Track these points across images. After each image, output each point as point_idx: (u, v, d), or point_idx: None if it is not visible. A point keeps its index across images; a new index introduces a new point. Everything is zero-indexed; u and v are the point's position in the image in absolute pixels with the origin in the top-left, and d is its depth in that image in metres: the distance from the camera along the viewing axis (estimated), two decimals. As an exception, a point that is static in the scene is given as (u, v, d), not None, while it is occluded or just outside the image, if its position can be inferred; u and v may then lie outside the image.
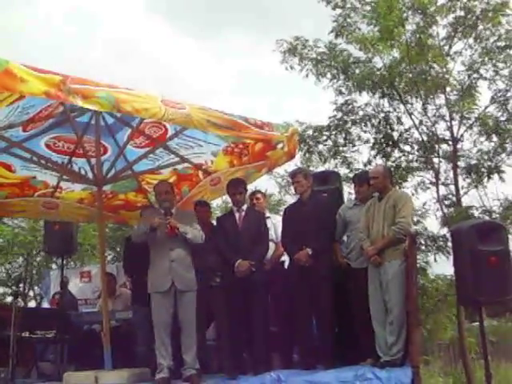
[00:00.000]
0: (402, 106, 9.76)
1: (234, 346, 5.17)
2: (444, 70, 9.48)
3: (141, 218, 5.61)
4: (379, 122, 9.88)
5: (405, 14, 9.36)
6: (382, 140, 9.80)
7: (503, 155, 9.25)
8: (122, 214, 6.83)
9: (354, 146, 10.18)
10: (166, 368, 4.81)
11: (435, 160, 9.70)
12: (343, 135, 10.07)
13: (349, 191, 8.21)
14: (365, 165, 9.84)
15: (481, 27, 9.39)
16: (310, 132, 10.10)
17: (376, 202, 5.05)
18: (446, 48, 9.74)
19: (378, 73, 9.61)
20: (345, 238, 5.47)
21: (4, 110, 4.58)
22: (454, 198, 9.52)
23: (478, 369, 8.26)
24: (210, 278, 5.36)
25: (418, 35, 9.34)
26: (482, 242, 4.91)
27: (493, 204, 9.28)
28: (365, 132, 10.06)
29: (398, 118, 9.88)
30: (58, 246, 7.47)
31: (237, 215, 5.36)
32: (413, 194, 9.53)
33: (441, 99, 9.65)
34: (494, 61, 9.30)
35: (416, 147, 9.82)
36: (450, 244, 8.50)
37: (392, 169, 8.24)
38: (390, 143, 9.77)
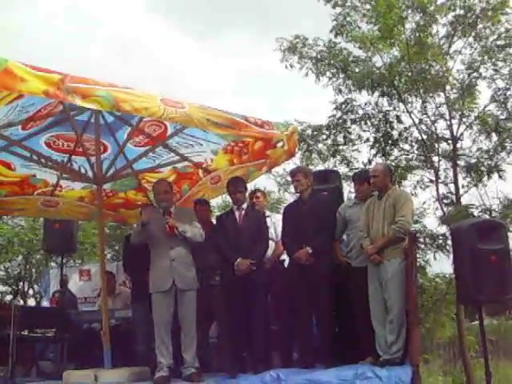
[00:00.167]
0: (401, 105, 9.79)
1: (234, 344, 5.17)
2: (444, 68, 9.48)
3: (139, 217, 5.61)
4: (379, 121, 9.89)
5: (404, 13, 9.38)
6: (382, 139, 9.81)
7: (503, 154, 9.29)
8: (121, 213, 6.82)
9: (353, 144, 10.20)
10: (166, 367, 4.81)
11: (435, 159, 9.73)
12: (343, 134, 10.08)
13: (349, 190, 8.23)
14: (364, 164, 9.85)
15: (480, 26, 9.42)
16: (310, 131, 10.11)
17: (376, 200, 5.05)
18: (446, 47, 9.76)
19: (378, 71, 9.62)
20: (345, 236, 5.47)
21: (3, 109, 4.56)
22: (454, 197, 9.53)
23: (478, 367, 8.26)
24: (210, 276, 5.36)
25: (417, 34, 9.37)
26: (482, 240, 4.92)
27: (492, 203, 9.31)
28: (364, 131, 10.10)
29: (398, 117, 9.89)
30: (58, 245, 7.48)
31: (237, 214, 5.35)
32: (412, 194, 9.53)
33: (440, 98, 9.69)
34: (493, 59, 9.32)
35: (416, 146, 9.85)
36: (449, 242, 8.52)
37: (391, 167, 8.24)
38: (390, 142, 9.78)
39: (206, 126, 4.38)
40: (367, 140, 10.05)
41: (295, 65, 9.93)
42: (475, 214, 8.96)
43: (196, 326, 4.94)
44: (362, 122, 9.97)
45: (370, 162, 9.78)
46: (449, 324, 11.26)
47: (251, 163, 5.72)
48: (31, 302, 16.72)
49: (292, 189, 7.63)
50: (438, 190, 9.60)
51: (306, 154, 10.18)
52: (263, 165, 5.74)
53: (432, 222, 10.13)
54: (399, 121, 9.89)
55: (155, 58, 45.47)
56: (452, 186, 9.61)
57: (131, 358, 5.73)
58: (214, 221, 5.85)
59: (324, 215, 5.20)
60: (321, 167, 9.97)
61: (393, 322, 4.66)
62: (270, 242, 5.51)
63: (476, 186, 9.39)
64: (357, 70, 9.72)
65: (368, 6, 9.63)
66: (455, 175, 9.54)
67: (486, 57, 9.35)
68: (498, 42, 9.31)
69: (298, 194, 5.54)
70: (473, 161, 9.45)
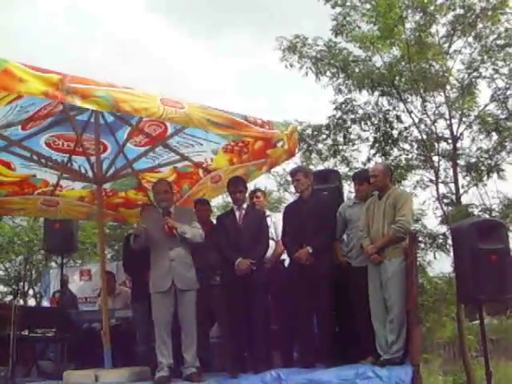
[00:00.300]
0: (401, 105, 9.79)
1: (235, 344, 5.17)
2: (444, 68, 9.48)
3: (140, 218, 5.61)
4: (379, 121, 9.89)
5: (404, 13, 9.36)
6: (382, 138, 9.81)
7: (503, 153, 9.29)
8: (121, 212, 6.82)
9: (353, 144, 10.21)
10: (166, 367, 4.81)
11: (435, 158, 9.72)
12: (343, 134, 10.08)
13: (349, 190, 8.23)
14: (364, 163, 9.85)
15: (480, 25, 9.42)
16: (310, 131, 10.11)
17: (376, 200, 5.05)
18: (446, 46, 9.76)
19: (378, 71, 9.62)
20: (345, 236, 5.47)
21: (3, 109, 4.56)
22: (454, 197, 9.53)
23: (478, 367, 8.25)
24: (210, 276, 5.36)
25: (417, 33, 9.35)
26: (482, 240, 4.92)
27: (492, 202, 9.31)
28: (364, 130, 10.10)
29: (398, 117, 9.89)
30: (58, 245, 7.48)
31: (237, 213, 5.35)
32: (412, 194, 9.52)
33: (440, 97, 9.68)
34: (493, 59, 9.31)
35: (415, 145, 9.84)
36: (449, 242, 8.52)
37: (391, 167, 8.24)
38: (390, 142, 9.78)
39: (206, 126, 4.38)
40: (367, 140, 10.06)
41: (295, 64, 9.92)
42: (475, 213, 8.97)
43: (196, 326, 4.94)
44: (362, 122, 9.96)
45: (369, 160, 9.80)
46: (449, 324, 11.27)
47: (251, 163, 5.72)
48: (31, 302, 16.73)
49: (292, 188, 7.63)
50: (438, 189, 9.61)
51: (305, 154, 10.18)
52: (263, 164, 5.74)
53: (432, 222, 10.13)
54: (399, 120, 9.89)
55: (155, 57, 45.48)
56: (452, 186, 9.62)
57: (131, 357, 5.74)
58: (214, 221, 5.85)
59: (324, 215, 5.20)
60: (321, 167, 9.98)
61: (393, 322, 4.65)
62: (271, 242, 5.50)
63: (476, 185, 9.39)
64: (357, 70, 9.71)
65: (368, 6, 9.62)
66: (455, 175, 9.54)
67: (485, 56, 9.34)
68: (498, 42, 9.30)
69: (298, 194, 5.54)
70: (473, 160, 9.45)
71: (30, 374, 6.48)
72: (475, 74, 9.42)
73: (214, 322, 5.77)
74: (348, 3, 9.76)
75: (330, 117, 10.04)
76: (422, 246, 9.37)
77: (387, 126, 9.85)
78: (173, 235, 4.95)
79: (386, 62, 9.66)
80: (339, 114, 10.02)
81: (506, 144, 9.23)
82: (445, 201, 9.59)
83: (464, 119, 9.56)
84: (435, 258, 9.39)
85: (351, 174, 8.69)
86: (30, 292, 17.55)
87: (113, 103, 3.91)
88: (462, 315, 8.98)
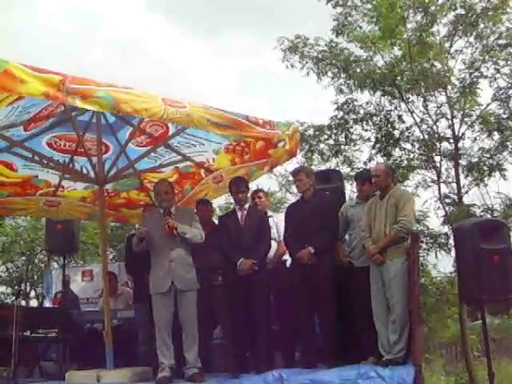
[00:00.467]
0: (403, 105, 9.77)
1: (237, 344, 5.17)
2: (445, 68, 9.47)
3: (141, 218, 5.61)
4: (380, 121, 9.88)
5: (406, 13, 9.36)
6: (383, 138, 9.79)
7: (505, 153, 9.26)
8: (123, 213, 6.82)
9: (355, 144, 10.19)
10: (168, 367, 4.81)
11: (436, 158, 9.70)
12: (344, 134, 10.07)
13: (351, 190, 8.23)
14: (366, 163, 9.84)
15: (481, 25, 9.40)
16: (312, 131, 10.10)
17: (378, 200, 5.05)
18: (447, 46, 9.75)
19: (379, 71, 9.60)
20: (347, 236, 5.46)
21: (4, 110, 4.57)
22: (456, 197, 9.52)
23: (481, 367, 8.24)
24: (212, 277, 5.36)
25: (418, 33, 9.35)
26: (485, 240, 4.92)
27: (494, 202, 9.29)
28: (366, 130, 10.08)
29: (399, 117, 9.87)
30: (60, 245, 7.48)
31: (239, 214, 5.35)
32: (414, 194, 9.51)
33: (442, 97, 9.65)
34: (494, 59, 9.30)
35: (417, 145, 9.82)
36: (451, 241, 8.51)
37: (393, 167, 8.24)
38: (391, 142, 9.77)
39: (207, 126, 4.37)
40: (369, 140, 10.04)
41: (296, 64, 9.92)
42: (477, 213, 8.95)
43: (198, 327, 4.94)
44: (364, 122, 9.95)
45: (370, 160, 9.79)
46: (451, 324, 11.26)
47: (253, 163, 5.73)
48: (33, 303, 16.75)
49: (294, 189, 7.62)
50: (439, 189, 9.60)
51: (307, 154, 10.18)
52: (265, 164, 5.74)
53: (434, 222, 10.10)
54: (401, 120, 9.87)
55: (155, 57, 45.44)
56: (454, 186, 9.60)
57: (133, 358, 5.74)
58: (216, 221, 5.85)
59: (326, 215, 5.20)
60: (322, 167, 9.97)
61: (395, 322, 4.65)
62: (272, 242, 5.51)
63: (478, 185, 9.38)
64: (358, 70, 9.69)
65: (369, 6, 9.62)
66: (457, 175, 9.52)
67: (487, 56, 9.33)
68: (499, 42, 9.28)
69: (300, 194, 5.54)
70: (474, 160, 9.43)
71: (32, 375, 6.49)
72: (477, 73, 9.40)
73: (217, 324, 5.77)
74: (349, 3, 9.75)
75: (331, 117, 10.04)
76: (424, 246, 9.35)
77: (389, 125, 9.83)
78: (173, 235, 4.94)
79: (388, 62, 9.65)
80: (341, 114, 10.01)
81: (508, 144, 9.21)
82: (447, 201, 9.57)
83: (466, 119, 9.54)
84: (437, 258, 9.39)
85: (353, 174, 8.69)
86: (32, 293, 17.60)
87: (113, 104, 3.91)
88: (465, 315, 8.97)
